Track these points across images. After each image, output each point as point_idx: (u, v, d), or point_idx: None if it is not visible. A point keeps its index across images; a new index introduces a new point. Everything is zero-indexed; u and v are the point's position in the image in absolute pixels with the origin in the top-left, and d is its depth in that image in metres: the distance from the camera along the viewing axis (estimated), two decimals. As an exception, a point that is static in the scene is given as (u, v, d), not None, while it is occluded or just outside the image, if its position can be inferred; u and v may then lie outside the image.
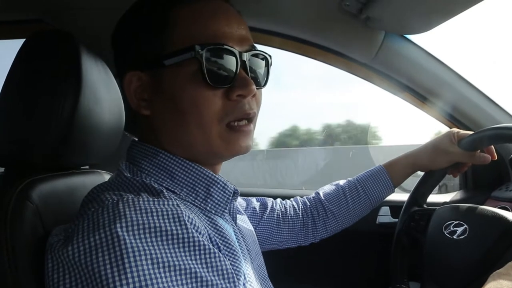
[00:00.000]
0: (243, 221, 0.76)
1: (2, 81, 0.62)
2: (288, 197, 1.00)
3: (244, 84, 0.54)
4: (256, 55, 0.58)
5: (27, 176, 0.58)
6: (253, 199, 0.94)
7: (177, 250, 0.44)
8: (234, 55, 0.54)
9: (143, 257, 0.41)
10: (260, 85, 0.59)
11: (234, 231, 0.61)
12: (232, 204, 0.64)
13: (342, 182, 0.97)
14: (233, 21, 0.56)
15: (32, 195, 0.55)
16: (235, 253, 0.53)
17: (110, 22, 0.62)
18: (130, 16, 0.59)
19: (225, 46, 0.53)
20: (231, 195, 0.59)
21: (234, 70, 0.54)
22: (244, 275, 0.50)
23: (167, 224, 0.45)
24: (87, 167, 0.78)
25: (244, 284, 0.49)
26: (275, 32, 1.08)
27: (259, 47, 0.60)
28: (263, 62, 0.60)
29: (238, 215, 0.70)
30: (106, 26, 0.64)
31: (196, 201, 0.56)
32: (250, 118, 0.57)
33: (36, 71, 0.61)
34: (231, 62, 0.53)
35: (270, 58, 0.61)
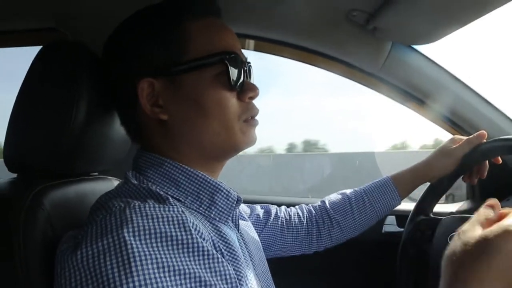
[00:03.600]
0: (247, 227, 0.76)
1: (17, 88, 0.64)
2: (294, 205, 1.00)
3: (252, 88, 0.62)
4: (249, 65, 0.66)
5: (39, 183, 0.60)
6: (257, 206, 0.94)
7: (181, 255, 0.45)
8: (243, 63, 0.61)
9: (149, 262, 0.42)
10: None
11: (237, 238, 0.63)
12: (234, 211, 0.65)
13: (348, 191, 0.96)
14: (235, 36, 0.63)
15: (44, 201, 0.56)
16: (238, 259, 0.54)
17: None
18: (136, 27, 0.61)
19: (238, 56, 0.60)
20: (235, 202, 0.61)
21: (243, 76, 0.61)
22: (246, 281, 0.52)
23: (172, 230, 0.46)
24: (96, 173, 0.79)
25: None
26: (283, 42, 1.09)
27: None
28: (252, 71, 0.67)
29: (242, 221, 0.71)
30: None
31: (201, 208, 0.58)
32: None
33: (50, 79, 0.62)
34: (242, 69, 0.60)
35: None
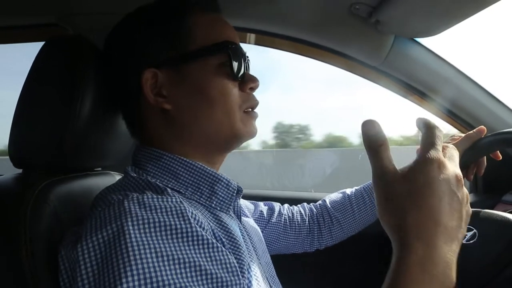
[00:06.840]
0: (250, 223, 0.77)
1: (21, 85, 0.64)
2: (296, 200, 1.01)
3: (253, 79, 0.64)
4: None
5: (45, 178, 0.60)
6: (261, 203, 0.95)
7: (181, 244, 0.45)
8: (243, 55, 0.64)
9: (147, 251, 0.43)
10: None
11: (239, 229, 0.63)
12: (236, 203, 0.66)
13: (349, 190, 0.98)
14: (234, 31, 0.66)
15: (50, 196, 0.57)
16: (239, 248, 0.54)
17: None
18: (143, 21, 0.62)
19: (239, 47, 0.63)
20: (235, 191, 0.62)
21: (244, 67, 0.63)
22: (248, 270, 0.52)
23: (171, 220, 0.47)
24: (100, 168, 0.80)
25: (248, 278, 0.51)
26: (284, 36, 1.09)
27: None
28: (249, 64, 0.69)
29: (244, 218, 0.71)
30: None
31: (201, 199, 0.59)
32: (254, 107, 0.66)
33: (53, 75, 0.62)
34: (242, 61, 0.63)
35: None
